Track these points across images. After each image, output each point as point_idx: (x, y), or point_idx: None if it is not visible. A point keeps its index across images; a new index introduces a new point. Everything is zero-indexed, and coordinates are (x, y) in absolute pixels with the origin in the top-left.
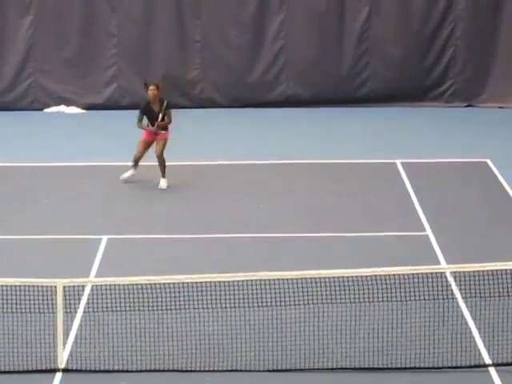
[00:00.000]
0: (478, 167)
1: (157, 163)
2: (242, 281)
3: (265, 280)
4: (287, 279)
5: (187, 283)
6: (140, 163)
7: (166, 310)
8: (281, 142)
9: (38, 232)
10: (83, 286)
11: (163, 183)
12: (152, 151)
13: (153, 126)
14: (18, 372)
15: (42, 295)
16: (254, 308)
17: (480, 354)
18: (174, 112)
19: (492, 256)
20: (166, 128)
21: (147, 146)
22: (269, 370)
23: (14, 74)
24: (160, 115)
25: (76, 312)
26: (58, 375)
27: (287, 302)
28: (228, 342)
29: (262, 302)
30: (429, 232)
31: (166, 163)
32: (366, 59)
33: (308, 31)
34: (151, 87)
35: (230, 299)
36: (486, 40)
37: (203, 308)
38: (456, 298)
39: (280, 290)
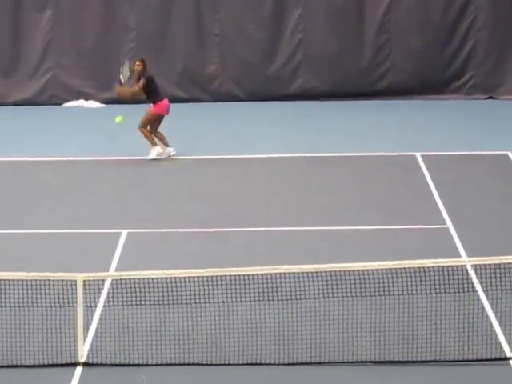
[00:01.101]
0: (498, 160)
1: (183, 157)
2: (262, 274)
3: (284, 273)
4: (306, 272)
5: (207, 277)
6: (159, 157)
7: (186, 303)
8: (299, 136)
9: (57, 226)
10: (103, 280)
11: (153, 152)
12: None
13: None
14: (39, 366)
15: (63, 289)
16: (273, 301)
17: (501, 347)
18: (194, 105)
19: None
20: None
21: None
22: (288, 364)
23: (33, 69)
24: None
25: (96, 306)
26: (79, 369)
27: (306, 295)
28: (248, 335)
29: (281, 296)
30: (449, 225)
31: (183, 157)
32: (385, 51)
33: (326, 24)
34: (137, 62)
35: (249, 293)
36: (506, 31)
37: (223, 302)
38: (477, 291)
39: (299, 284)
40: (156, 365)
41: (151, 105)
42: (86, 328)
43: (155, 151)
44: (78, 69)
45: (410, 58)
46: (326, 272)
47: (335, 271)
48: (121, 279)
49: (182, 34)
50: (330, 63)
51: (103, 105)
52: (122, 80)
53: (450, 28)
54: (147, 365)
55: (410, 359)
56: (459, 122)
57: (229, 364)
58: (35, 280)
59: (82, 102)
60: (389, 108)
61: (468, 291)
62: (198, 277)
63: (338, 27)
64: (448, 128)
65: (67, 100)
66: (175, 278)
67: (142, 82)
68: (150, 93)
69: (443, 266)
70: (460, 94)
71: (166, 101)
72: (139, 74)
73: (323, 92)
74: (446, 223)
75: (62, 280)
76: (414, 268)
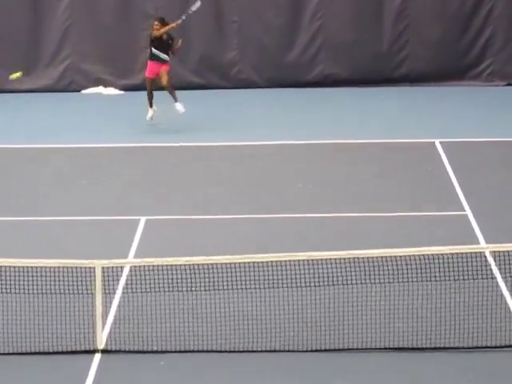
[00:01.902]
0: None
1: (201, 143)
2: (282, 261)
3: (304, 260)
4: (326, 259)
5: (226, 264)
6: (177, 144)
7: (205, 290)
8: (318, 122)
9: (76, 213)
10: (122, 267)
11: (179, 107)
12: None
13: (166, 54)
14: (58, 353)
15: (81, 276)
16: (292, 288)
17: None
18: (212, 92)
19: None
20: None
21: (152, 83)
22: (307, 350)
23: (52, 56)
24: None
25: (115, 293)
26: (97, 356)
27: (325, 282)
28: (266, 322)
29: (299, 283)
30: (468, 212)
31: (201, 143)
32: (404, 38)
33: (346, 11)
34: (156, 22)
35: (267, 280)
36: None
37: (242, 288)
38: (495, 278)
39: (319, 271)
40: (175, 351)
41: (164, 61)
42: (105, 315)
43: (181, 105)
44: (97, 55)
45: (429, 45)
46: (344, 259)
47: (353, 258)
48: (139, 266)
49: (200, 21)
50: (349, 50)
51: (122, 92)
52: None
53: (468, 15)
54: (166, 351)
55: (428, 346)
56: (478, 108)
57: (247, 351)
58: (53, 267)
59: (100, 89)
60: (407, 95)
61: (487, 278)
62: (217, 263)
63: (357, 14)
64: (466, 115)
65: (86, 87)
66: (193, 264)
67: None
68: (168, 48)
69: (462, 253)
70: (478, 81)
71: None
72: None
73: (342, 79)
74: (464, 210)
75: (81, 267)
76: (432, 255)
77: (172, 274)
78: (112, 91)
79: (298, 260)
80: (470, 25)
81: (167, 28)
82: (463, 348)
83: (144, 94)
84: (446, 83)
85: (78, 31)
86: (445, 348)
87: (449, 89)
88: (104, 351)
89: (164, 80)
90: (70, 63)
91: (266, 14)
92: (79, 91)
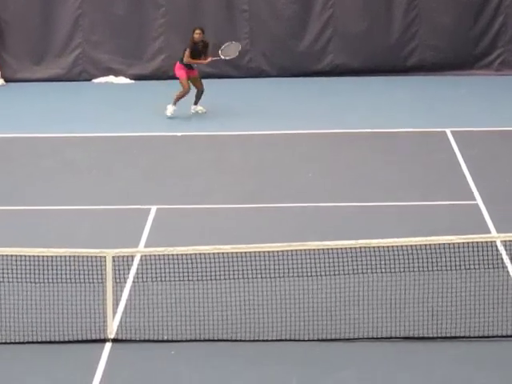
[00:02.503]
0: None
1: (211, 133)
2: (291, 250)
3: (313, 250)
4: (335, 248)
5: (236, 253)
6: (188, 133)
7: (216, 279)
8: (329, 112)
9: (87, 202)
10: (132, 256)
11: (198, 108)
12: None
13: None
14: (69, 342)
15: (92, 265)
16: (302, 278)
17: None
18: (224, 81)
19: None
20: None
21: (194, 80)
22: (317, 340)
23: (63, 45)
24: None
25: (125, 282)
26: (108, 345)
27: (336, 271)
28: (276, 311)
29: (310, 272)
30: (479, 201)
31: (212, 133)
32: (414, 28)
33: (356, 0)
34: (197, 31)
35: (278, 269)
36: None
37: (252, 278)
38: (506, 267)
39: (329, 260)
40: (186, 341)
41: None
42: (116, 304)
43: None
44: (108, 45)
45: (440, 34)
46: (355, 248)
47: (365, 247)
48: (150, 255)
49: (211, 10)
50: (360, 39)
51: (132, 81)
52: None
53: (479, 4)
54: (177, 341)
55: (438, 335)
56: (489, 98)
57: (258, 340)
58: (65, 256)
59: (111, 78)
60: (418, 84)
61: (497, 267)
62: (227, 253)
63: (368, 3)
64: (478, 104)
65: (97, 76)
66: (204, 253)
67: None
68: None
69: (473, 242)
70: (490, 71)
71: None
72: (202, 40)
73: (353, 68)
74: (475, 199)
75: (92, 256)
76: (443, 244)
77: (182, 263)
78: (122, 80)
79: (309, 249)
80: (482, 14)
81: (196, 62)
82: (473, 337)
83: (155, 84)
84: (457, 72)
85: (89, 20)
86: (455, 337)
87: (460, 78)
88: (115, 340)
89: (198, 85)
90: (81, 52)
91: (276, 3)
92: (90, 80)
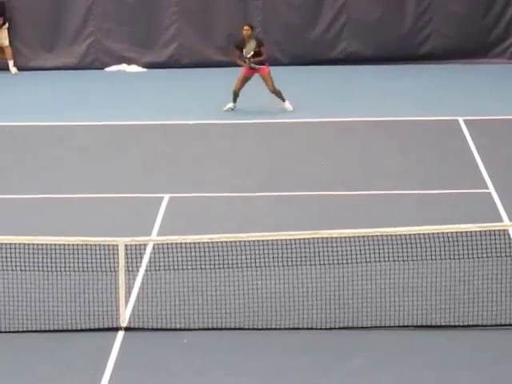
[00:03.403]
0: None
1: (224, 121)
2: (304, 239)
3: (326, 238)
4: (349, 237)
5: (249, 241)
6: (201, 121)
7: (228, 268)
8: (342, 100)
9: (99, 191)
10: (145, 245)
11: (288, 105)
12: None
13: (244, 62)
14: (82, 330)
15: (104, 254)
16: (315, 266)
17: None
18: (236, 69)
19: None
20: (261, 63)
21: (245, 81)
22: (330, 328)
23: (75, 34)
24: (252, 52)
25: (138, 271)
26: (121, 333)
27: (349, 260)
28: (290, 300)
29: (323, 261)
30: (491, 189)
31: (224, 121)
32: (427, 16)
33: None
34: (245, 27)
35: (291, 257)
36: None
37: (265, 266)
38: None
39: (342, 248)
40: (198, 329)
41: (262, 66)
42: (128, 293)
43: (289, 105)
44: (120, 33)
45: (452, 22)
46: (369, 236)
47: (379, 235)
48: (162, 244)
49: None
50: (373, 27)
51: (145, 69)
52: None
53: None
54: (189, 329)
55: (452, 323)
56: (502, 86)
57: (272, 328)
58: (77, 245)
59: (123, 67)
60: (431, 72)
61: (510, 256)
62: (240, 241)
63: None
64: (490, 92)
65: (109, 64)
66: (217, 242)
67: (265, 48)
68: (261, 54)
69: (485, 231)
70: (502, 59)
71: None
72: (249, 37)
73: (366, 56)
74: (488, 188)
75: (104, 245)
76: (456, 232)
77: (195, 251)
78: (135, 69)
79: (321, 237)
80: (494, 2)
81: (238, 62)
82: (487, 325)
83: (167, 72)
84: (470, 60)
85: (101, 9)
86: (468, 326)
87: (473, 66)
88: (127, 329)
89: (269, 84)
90: (94, 41)
91: None
92: (102, 69)
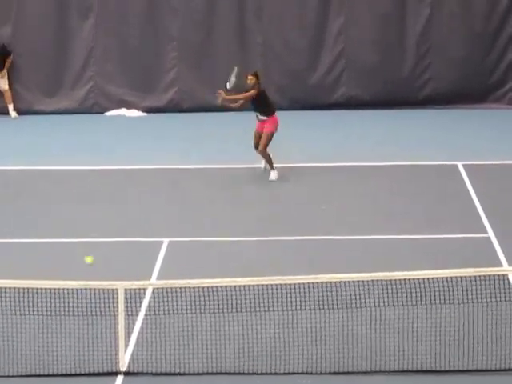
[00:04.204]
0: None
1: (222, 166)
2: (303, 283)
3: (325, 283)
4: (347, 281)
5: (248, 286)
6: (200, 166)
7: (228, 312)
8: (341, 144)
9: (99, 235)
10: (144, 289)
11: (273, 175)
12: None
13: (263, 112)
14: (81, 375)
15: (104, 298)
16: (315, 310)
17: None
18: (237, 114)
19: None
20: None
21: (258, 136)
22: (330, 373)
23: (76, 78)
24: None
25: (137, 315)
26: (120, 378)
27: (348, 304)
28: (290, 344)
29: (322, 305)
30: (491, 234)
31: (223, 165)
32: (427, 60)
33: (369, 33)
34: (249, 76)
35: (290, 302)
36: None
37: (265, 310)
38: None
39: (341, 293)
40: (198, 374)
41: (265, 118)
42: (127, 337)
43: (275, 174)
44: (120, 77)
45: (452, 67)
46: (367, 281)
47: (378, 280)
48: (162, 288)
49: (224, 42)
50: (373, 72)
51: (145, 114)
52: (228, 86)
53: (491, 37)
54: (189, 374)
55: (452, 368)
56: (501, 131)
57: (272, 373)
58: (76, 288)
59: (123, 111)
60: (431, 117)
61: (510, 300)
62: (239, 286)
63: (380, 36)
64: (490, 137)
65: (109, 109)
66: (216, 286)
67: (253, 91)
68: (263, 105)
69: (485, 275)
70: (502, 104)
71: (277, 116)
72: (253, 86)
73: (365, 101)
74: (487, 232)
75: (104, 289)
76: (455, 277)
77: (195, 295)
78: (135, 113)
79: (321, 282)
80: (494, 47)
81: (234, 97)
82: (487, 370)
83: (166, 116)
84: (469, 105)
85: (102, 53)
86: (468, 370)
87: (472, 111)
88: (126, 373)
89: (261, 142)
90: (94, 85)
91: (289, 36)
92: (102, 113)
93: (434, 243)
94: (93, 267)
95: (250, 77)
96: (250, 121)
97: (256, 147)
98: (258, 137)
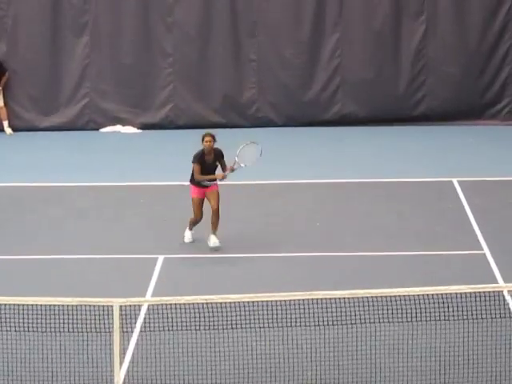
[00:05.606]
0: None
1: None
2: (299, 300)
3: (321, 299)
4: (342, 298)
5: (243, 302)
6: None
7: (223, 329)
8: (337, 161)
9: (94, 251)
10: (140, 306)
11: (215, 240)
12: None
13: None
14: None
15: (99, 315)
16: (309, 327)
17: None
18: (231, 131)
19: None
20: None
21: (202, 205)
22: None
23: (70, 94)
24: (217, 165)
25: (132, 332)
26: None
27: (343, 321)
28: (285, 361)
29: (317, 321)
30: (486, 251)
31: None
32: (422, 77)
33: (364, 50)
34: (207, 138)
35: (285, 318)
36: None
37: (259, 327)
38: None
39: (336, 310)
40: None
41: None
42: (123, 354)
43: (216, 240)
44: (115, 94)
45: (447, 84)
46: (363, 297)
47: (371, 297)
48: (157, 305)
49: (219, 59)
50: (368, 89)
51: (140, 130)
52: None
53: (486, 54)
54: None
55: None
56: (496, 147)
57: None
58: (71, 305)
59: (118, 128)
60: (426, 134)
61: (505, 317)
62: (234, 302)
63: (375, 53)
64: (485, 154)
65: (104, 125)
66: (211, 303)
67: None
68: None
69: (480, 292)
70: (497, 120)
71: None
72: (213, 148)
73: (361, 118)
74: (482, 249)
75: (99, 305)
76: (450, 294)
77: (190, 312)
78: (130, 130)
79: (316, 299)
80: (489, 64)
81: (208, 178)
82: None
83: (162, 133)
84: (464, 122)
85: (97, 69)
86: None
87: (467, 128)
88: None
89: (213, 201)
90: (89, 102)
91: (284, 53)
92: (97, 130)
93: (429, 260)
94: (88, 284)
95: (207, 138)
96: (243, 137)
97: (197, 223)
98: (202, 205)
